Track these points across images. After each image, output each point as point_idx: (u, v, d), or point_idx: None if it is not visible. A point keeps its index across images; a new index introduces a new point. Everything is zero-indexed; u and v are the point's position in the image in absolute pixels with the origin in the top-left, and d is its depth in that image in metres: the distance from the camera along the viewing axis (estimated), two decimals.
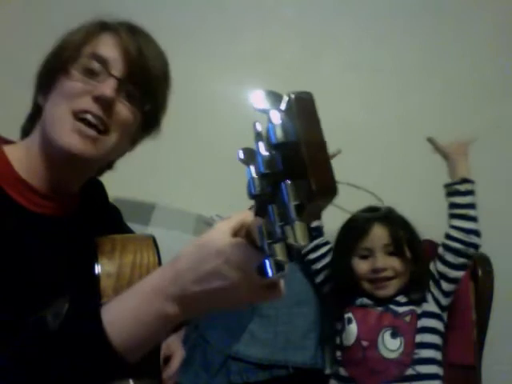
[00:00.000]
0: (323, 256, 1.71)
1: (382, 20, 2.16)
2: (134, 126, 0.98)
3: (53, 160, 0.95)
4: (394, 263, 1.59)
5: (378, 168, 2.04)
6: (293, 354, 1.64)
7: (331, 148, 0.54)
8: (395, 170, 2.03)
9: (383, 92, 2.13)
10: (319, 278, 1.73)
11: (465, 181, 1.59)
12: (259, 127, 0.54)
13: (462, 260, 1.58)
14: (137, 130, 1.00)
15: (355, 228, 1.64)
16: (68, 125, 0.90)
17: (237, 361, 1.63)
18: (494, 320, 1.72)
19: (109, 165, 1.10)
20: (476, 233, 1.57)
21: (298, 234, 0.49)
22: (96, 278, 0.93)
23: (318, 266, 1.72)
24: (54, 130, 0.91)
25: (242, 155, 0.57)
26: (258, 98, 0.50)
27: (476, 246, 1.57)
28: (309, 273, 1.75)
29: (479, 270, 1.73)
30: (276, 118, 0.49)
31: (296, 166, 0.47)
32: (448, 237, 1.60)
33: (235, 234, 0.68)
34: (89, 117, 0.91)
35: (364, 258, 1.62)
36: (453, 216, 1.59)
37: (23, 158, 0.95)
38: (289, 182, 0.48)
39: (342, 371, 1.59)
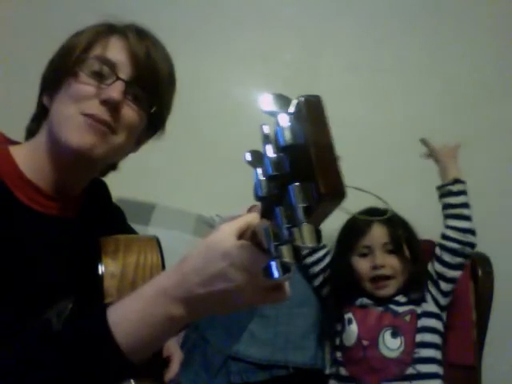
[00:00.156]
0: (320, 260, 1.72)
1: (382, 20, 2.16)
2: (140, 128, 0.99)
3: (59, 160, 0.95)
4: (393, 262, 1.61)
5: (378, 168, 2.04)
6: (293, 354, 1.64)
7: None
8: (395, 170, 2.03)
9: (383, 92, 2.13)
10: (317, 281, 1.74)
11: (457, 181, 1.62)
12: (267, 129, 0.54)
13: (459, 259, 1.60)
14: (142, 131, 1.01)
15: (355, 227, 1.66)
16: (76, 124, 0.91)
17: (237, 361, 1.64)
18: (493, 320, 1.73)
19: (113, 165, 1.11)
20: (471, 232, 1.59)
21: (305, 236, 0.49)
22: (100, 278, 0.93)
23: (316, 269, 1.73)
24: (62, 130, 0.92)
25: (249, 157, 0.57)
26: (266, 101, 0.50)
27: (472, 245, 1.59)
28: (307, 276, 1.76)
29: (479, 270, 1.73)
30: (285, 120, 0.49)
31: (304, 168, 0.47)
32: (444, 237, 1.62)
33: (240, 236, 0.68)
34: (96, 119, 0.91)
35: (363, 256, 1.63)
36: (448, 216, 1.62)
37: (29, 158, 0.95)
38: (297, 184, 0.48)
39: (343, 371, 1.60)
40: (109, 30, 0.98)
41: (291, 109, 0.50)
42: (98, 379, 0.72)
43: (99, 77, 0.93)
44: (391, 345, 1.54)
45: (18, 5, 2.14)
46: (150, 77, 0.96)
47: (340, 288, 1.68)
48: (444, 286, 1.61)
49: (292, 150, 0.49)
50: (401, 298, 1.61)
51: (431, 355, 1.56)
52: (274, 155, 0.52)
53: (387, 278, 1.60)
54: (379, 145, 2.07)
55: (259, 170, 0.55)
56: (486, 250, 1.73)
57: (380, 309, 1.60)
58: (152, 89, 0.96)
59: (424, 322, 1.58)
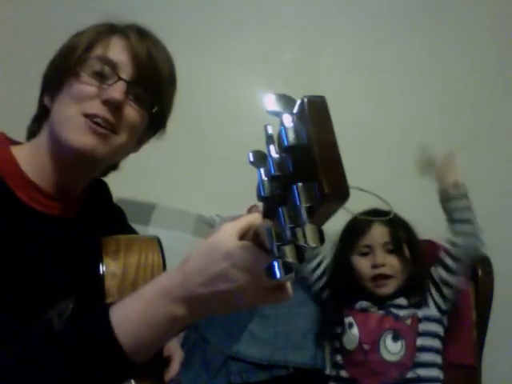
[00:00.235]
0: (315, 269, 1.72)
1: (382, 20, 2.16)
2: (141, 128, 0.99)
3: (60, 160, 0.95)
4: (393, 261, 1.61)
5: (378, 168, 2.04)
6: (293, 354, 1.64)
7: None
8: (395, 170, 2.03)
9: (383, 92, 2.13)
10: (316, 287, 1.73)
11: (458, 186, 1.60)
12: (270, 130, 0.54)
13: (464, 266, 1.60)
14: (143, 131, 1.01)
15: (356, 227, 1.66)
16: (78, 124, 0.91)
17: (237, 361, 1.64)
18: (493, 320, 1.73)
19: (114, 165, 1.11)
20: (477, 236, 1.58)
21: (308, 236, 0.48)
22: (101, 278, 0.93)
23: (313, 277, 1.72)
24: (63, 130, 0.92)
25: (252, 158, 0.57)
26: (270, 101, 0.50)
27: (478, 249, 1.59)
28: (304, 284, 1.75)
29: (479, 270, 1.73)
30: (288, 121, 0.49)
31: (308, 168, 0.47)
32: (451, 243, 1.60)
33: (242, 236, 0.68)
34: (98, 120, 0.91)
35: (364, 255, 1.64)
36: (452, 221, 1.60)
37: (30, 158, 0.95)
38: (300, 184, 0.48)
39: (343, 373, 1.60)
40: (110, 30, 0.98)
41: (295, 109, 0.50)
42: (99, 379, 0.72)
43: (101, 77, 0.93)
44: (392, 348, 1.54)
45: (18, 5, 2.14)
46: (152, 77, 0.96)
47: (340, 287, 1.68)
48: (448, 292, 1.61)
49: (295, 150, 0.49)
50: (401, 301, 1.61)
51: (432, 359, 1.57)
52: (277, 155, 0.52)
53: (387, 277, 1.60)
54: (379, 145, 2.07)
55: (262, 170, 0.55)
56: (486, 250, 1.73)
57: (381, 312, 1.60)
58: (153, 89, 0.96)
59: (425, 326, 1.58)
